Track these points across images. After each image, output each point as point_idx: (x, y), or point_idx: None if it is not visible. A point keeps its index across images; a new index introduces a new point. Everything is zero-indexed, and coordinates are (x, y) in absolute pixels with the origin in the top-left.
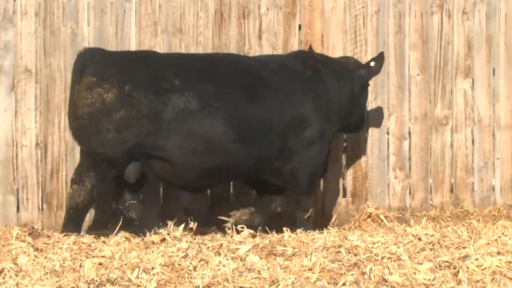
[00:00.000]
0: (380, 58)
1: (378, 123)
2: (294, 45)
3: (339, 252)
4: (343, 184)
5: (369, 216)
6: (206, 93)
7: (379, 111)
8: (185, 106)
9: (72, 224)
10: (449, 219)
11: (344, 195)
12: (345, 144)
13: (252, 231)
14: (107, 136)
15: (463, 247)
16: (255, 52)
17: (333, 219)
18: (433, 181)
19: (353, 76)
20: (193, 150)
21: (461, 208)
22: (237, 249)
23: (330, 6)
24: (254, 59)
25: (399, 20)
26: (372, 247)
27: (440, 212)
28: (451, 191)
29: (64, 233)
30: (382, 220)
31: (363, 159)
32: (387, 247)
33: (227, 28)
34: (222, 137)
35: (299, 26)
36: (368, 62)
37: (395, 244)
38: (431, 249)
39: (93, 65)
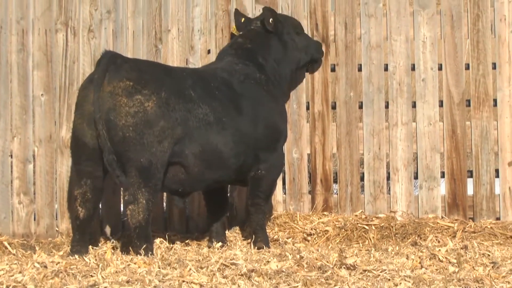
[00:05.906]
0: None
1: (1, 146)
2: None
3: None
4: None
5: None
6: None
7: (2, 133)
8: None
9: (143, 240)
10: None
11: None
12: None
13: None
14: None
15: (91, 275)
16: None
17: None
18: (59, 207)
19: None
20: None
21: None
22: None
23: None
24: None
25: (22, 37)
26: None
27: (67, 238)
28: None
29: (145, 252)
30: (6, 248)
31: None
32: (12, 275)
33: None
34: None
35: None
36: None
37: (20, 272)
38: (57, 277)
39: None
